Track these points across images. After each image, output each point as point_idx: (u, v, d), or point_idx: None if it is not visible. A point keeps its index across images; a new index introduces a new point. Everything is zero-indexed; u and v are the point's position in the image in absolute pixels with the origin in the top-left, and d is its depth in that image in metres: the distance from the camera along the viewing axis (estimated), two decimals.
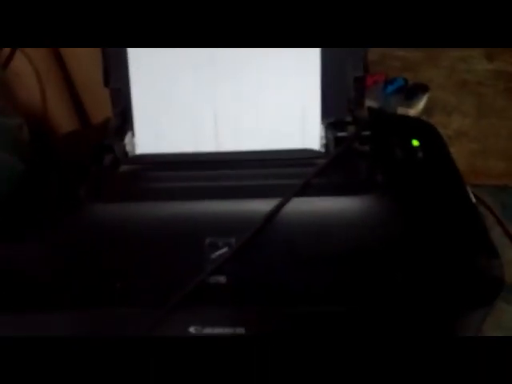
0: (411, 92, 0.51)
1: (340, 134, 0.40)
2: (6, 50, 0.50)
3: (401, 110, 0.51)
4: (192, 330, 0.32)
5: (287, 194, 0.34)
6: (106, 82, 0.43)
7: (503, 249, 0.33)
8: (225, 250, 0.32)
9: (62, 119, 0.56)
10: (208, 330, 0.32)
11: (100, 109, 0.55)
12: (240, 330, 0.32)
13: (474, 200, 0.35)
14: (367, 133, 0.40)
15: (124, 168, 0.41)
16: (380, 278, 0.31)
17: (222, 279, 0.31)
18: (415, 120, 0.47)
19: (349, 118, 0.41)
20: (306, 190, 0.34)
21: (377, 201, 0.34)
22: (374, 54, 0.57)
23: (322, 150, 0.41)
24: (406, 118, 0.47)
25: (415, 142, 0.40)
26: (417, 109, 0.51)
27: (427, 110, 0.57)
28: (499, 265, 0.30)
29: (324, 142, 0.41)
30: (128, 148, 0.42)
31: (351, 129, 0.41)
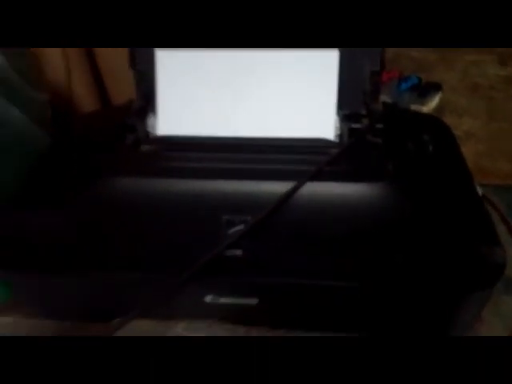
0: (425, 90, 0.53)
1: (354, 126, 0.42)
2: None
3: (414, 108, 0.52)
4: (208, 298, 0.34)
5: (302, 177, 0.36)
6: (132, 64, 0.45)
7: (507, 246, 0.34)
8: (241, 226, 0.34)
9: (85, 100, 0.57)
10: (224, 300, 0.34)
11: (121, 92, 0.57)
12: (253, 301, 0.34)
13: (480, 193, 0.36)
14: (380, 125, 0.41)
15: (145, 147, 0.43)
16: (386, 259, 0.33)
17: (238, 252, 0.33)
18: (427, 116, 0.48)
19: (363, 111, 0.43)
20: (319, 175, 0.36)
21: (386, 188, 0.35)
22: (388, 53, 0.58)
23: (337, 140, 0.42)
24: (419, 114, 0.48)
25: (426, 137, 0.41)
26: (429, 107, 0.53)
27: (438, 110, 0.58)
28: (501, 252, 0.32)
29: (338, 132, 0.42)
30: (150, 129, 0.44)
31: (365, 121, 0.43)
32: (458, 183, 0.37)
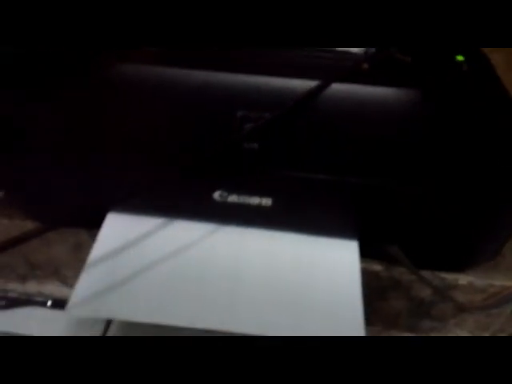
0: None
1: None
2: None
3: None
4: (217, 195, 0.31)
5: (327, 78, 0.32)
6: None
7: None
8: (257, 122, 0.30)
9: None
10: (233, 198, 0.31)
11: None
12: (266, 201, 0.31)
13: None
14: None
15: None
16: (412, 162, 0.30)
17: (254, 145, 0.29)
18: None
19: None
20: (345, 78, 0.33)
21: (418, 94, 0.32)
22: None
23: (363, 54, 0.39)
24: None
25: (460, 57, 0.38)
26: None
27: None
28: None
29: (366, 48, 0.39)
30: None
31: None
32: (495, 101, 0.34)
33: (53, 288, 0.44)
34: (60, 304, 0.47)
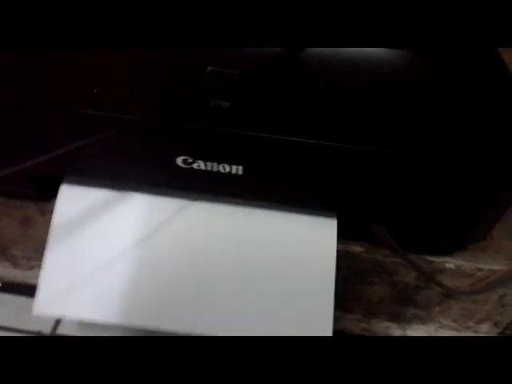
0: None
1: None
2: None
3: None
4: (180, 161, 0.27)
5: None
6: None
7: None
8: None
9: None
10: (199, 164, 0.27)
11: None
12: (237, 169, 0.27)
13: None
14: None
15: None
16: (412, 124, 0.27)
17: (225, 104, 0.26)
18: None
19: None
20: None
21: (411, 57, 0.29)
22: None
23: None
24: None
25: None
26: None
27: None
28: None
29: None
30: None
31: None
32: (493, 71, 0.32)
33: (1, 270, 0.40)
34: (9, 288, 0.43)
